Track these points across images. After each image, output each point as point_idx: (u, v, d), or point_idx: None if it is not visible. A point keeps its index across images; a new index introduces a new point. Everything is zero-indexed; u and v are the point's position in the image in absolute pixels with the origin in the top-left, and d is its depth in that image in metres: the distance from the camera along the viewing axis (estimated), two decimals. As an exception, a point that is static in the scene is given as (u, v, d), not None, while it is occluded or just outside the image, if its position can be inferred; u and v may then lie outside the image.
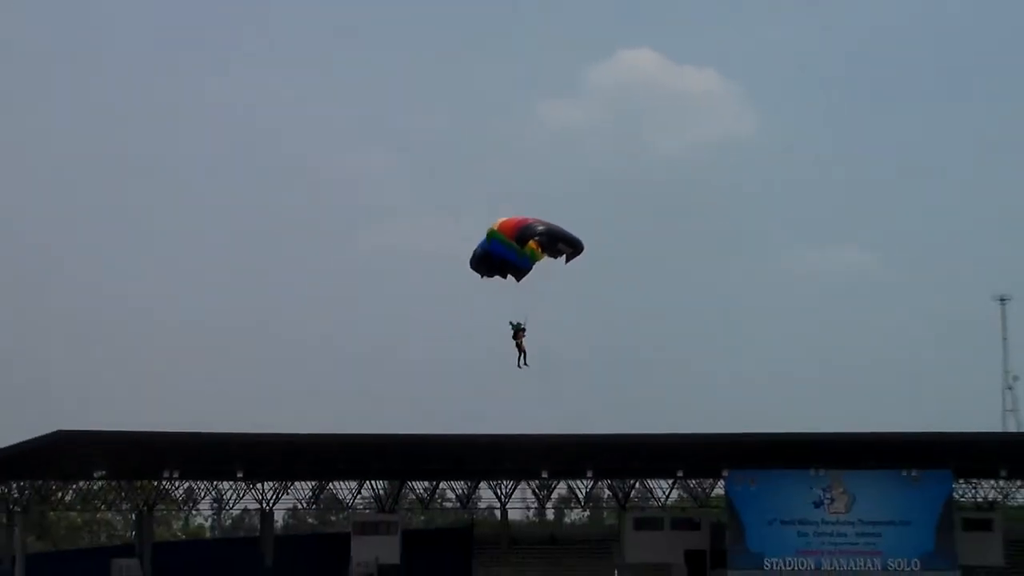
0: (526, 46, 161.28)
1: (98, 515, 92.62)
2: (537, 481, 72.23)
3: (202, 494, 74.52)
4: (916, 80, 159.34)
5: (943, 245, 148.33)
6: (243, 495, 71.89)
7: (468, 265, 29.28)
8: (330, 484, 73.34)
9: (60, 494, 70.91)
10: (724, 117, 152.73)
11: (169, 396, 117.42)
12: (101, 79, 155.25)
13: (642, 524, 69.08)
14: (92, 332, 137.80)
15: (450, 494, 75.99)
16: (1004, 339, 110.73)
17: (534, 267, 28.62)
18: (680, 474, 69.51)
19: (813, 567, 63.48)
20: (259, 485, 70.29)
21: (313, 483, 72.41)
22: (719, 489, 69.34)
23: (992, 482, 71.00)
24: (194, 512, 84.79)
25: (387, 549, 67.08)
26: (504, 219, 28.72)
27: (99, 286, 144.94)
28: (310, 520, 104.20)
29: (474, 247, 29.13)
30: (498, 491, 71.91)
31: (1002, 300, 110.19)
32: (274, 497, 71.27)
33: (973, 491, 72.23)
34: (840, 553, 63.65)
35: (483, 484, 73.22)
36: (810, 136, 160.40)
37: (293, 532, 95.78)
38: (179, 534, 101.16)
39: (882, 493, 64.13)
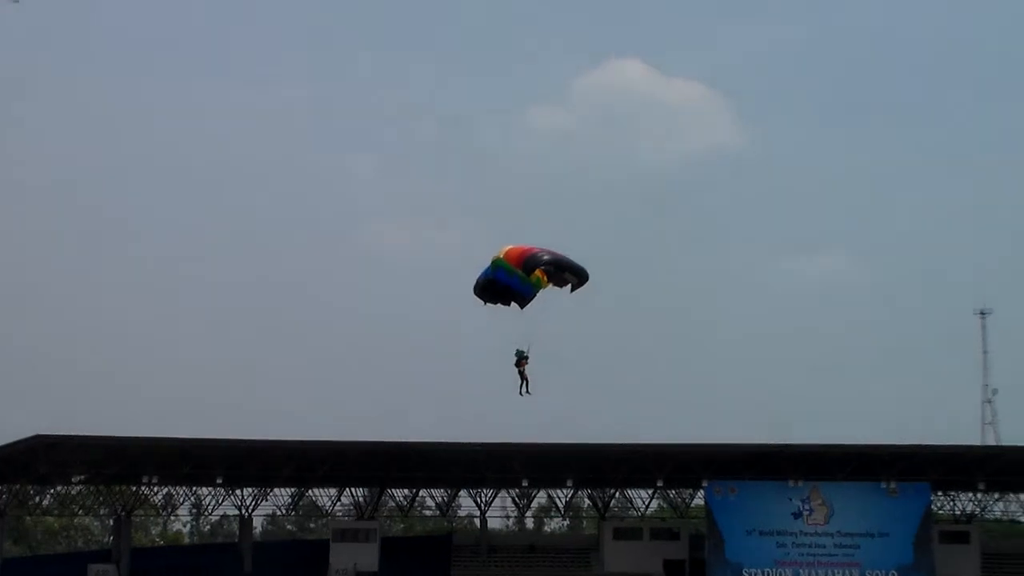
0: (516, 53, 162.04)
1: (76, 520, 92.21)
2: (517, 490, 72.24)
3: (181, 500, 74.27)
4: (899, 91, 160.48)
5: (925, 258, 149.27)
6: (222, 501, 71.79)
7: (472, 290, 29.35)
8: (309, 491, 73.19)
9: (38, 498, 70.57)
10: (710, 128, 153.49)
11: (149, 401, 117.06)
12: (91, 80, 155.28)
13: (621, 534, 69.17)
14: (72, 336, 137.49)
15: (430, 502, 75.96)
16: (984, 352, 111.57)
17: (538, 295, 28.76)
18: (660, 484, 69.54)
19: (791, 578, 63.77)
20: (238, 491, 70.13)
21: (292, 490, 72.25)
22: (699, 499, 69.45)
23: (970, 495, 71.29)
24: (173, 518, 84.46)
25: (366, 556, 67.03)
26: (509, 247, 28.83)
27: (79, 290, 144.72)
28: (289, 527, 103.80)
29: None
30: (478, 499, 71.86)
31: (982, 314, 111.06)
32: (253, 503, 71.07)
33: (951, 504, 72.49)
34: (818, 564, 63.84)
35: (463, 492, 73.14)
36: (795, 147, 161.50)
37: (272, 538, 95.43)
38: (157, 540, 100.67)
39: (861, 505, 64.37)
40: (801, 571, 63.79)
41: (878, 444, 64.70)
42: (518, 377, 30.48)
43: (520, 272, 28.28)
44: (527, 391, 30.67)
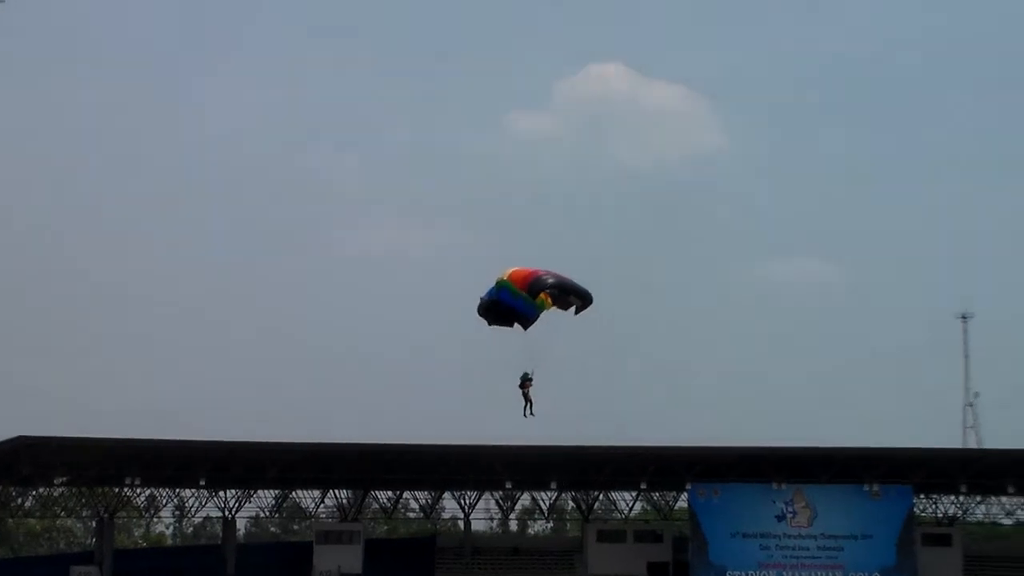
0: (497, 56, 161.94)
1: (58, 522, 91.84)
2: (501, 492, 72.24)
3: (164, 502, 74.01)
4: (882, 97, 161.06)
5: (906, 261, 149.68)
6: (205, 503, 71.54)
7: (476, 312, 29.74)
8: (293, 493, 73.07)
9: (20, 500, 70.25)
10: (692, 132, 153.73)
11: (132, 403, 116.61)
12: (74, 80, 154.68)
13: (605, 536, 69.22)
14: (56, 336, 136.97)
15: (413, 504, 75.89)
16: (966, 356, 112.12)
17: (541, 316, 29.05)
18: (644, 486, 69.67)
19: (775, 580, 63.90)
20: (221, 493, 69.93)
21: (276, 491, 72.11)
22: (682, 502, 69.50)
23: (952, 498, 71.54)
24: (155, 520, 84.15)
25: (349, 558, 66.94)
26: (514, 269, 29.21)
27: (64, 289, 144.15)
28: (272, 529, 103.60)
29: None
30: (462, 501, 71.83)
31: (964, 318, 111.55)
32: (236, 505, 70.89)
33: (933, 506, 72.77)
34: (802, 566, 63.99)
35: (446, 494, 73.13)
36: (777, 151, 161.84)
37: (255, 540, 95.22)
38: (140, 542, 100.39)
39: (844, 507, 64.52)
40: (784, 573, 63.91)
41: (861, 447, 64.99)
42: (522, 399, 30.96)
43: (524, 294, 28.59)
44: (531, 413, 31.12)
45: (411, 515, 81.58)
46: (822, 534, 64.31)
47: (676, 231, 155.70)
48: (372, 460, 64.92)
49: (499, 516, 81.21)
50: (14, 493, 68.90)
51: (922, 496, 70.32)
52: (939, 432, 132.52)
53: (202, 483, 67.32)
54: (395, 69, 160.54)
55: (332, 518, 72.46)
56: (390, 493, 73.60)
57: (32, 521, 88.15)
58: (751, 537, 64.34)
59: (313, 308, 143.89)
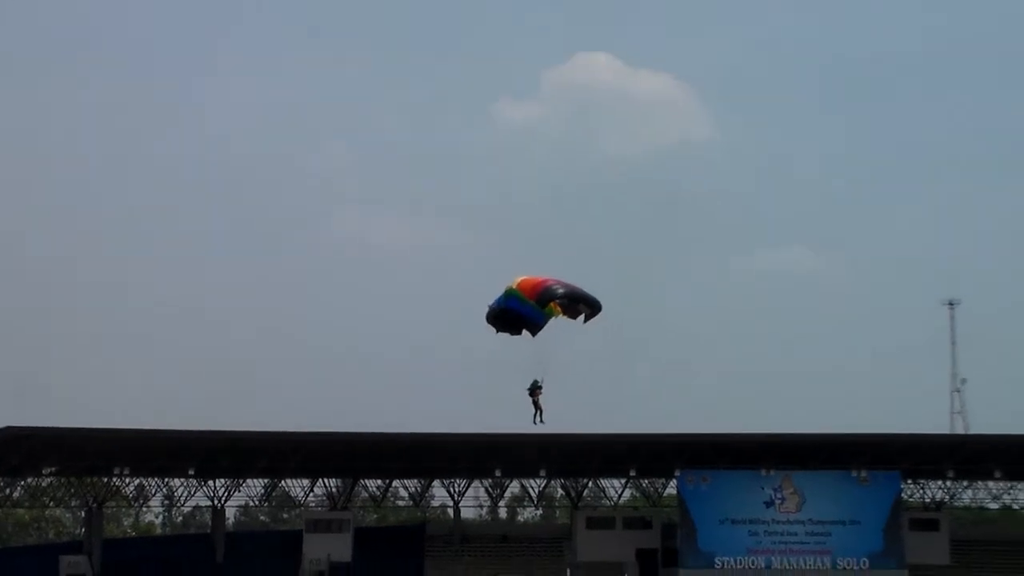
0: (484, 46, 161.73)
1: (47, 512, 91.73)
2: (490, 480, 72.34)
3: (153, 491, 74.01)
4: (871, 85, 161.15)
5: (893, 248, 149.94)
6: (194, 492, 71.49)
7: (485, 320, 29.89)
8: (282, 482, 73.07)
9: (8, 491, 70.09)
10: (680, 121, 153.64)
11: (121, 392, 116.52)
12: (74, 80, 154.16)
13: (594, 523, 69.28)
14: (44, 326, 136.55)
15: (403, 492, 75.97)
16: (952, 343, 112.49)
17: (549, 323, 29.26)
18: (632, 473, 69.82)
19: (763, 566, 64.06)
20: (211, 482, 69.90)
21: (265, 480, 72.11)
22: (671, 489, 69.67)
23: (939, 483, 71.87)
24: (145, 509, 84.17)
25: (339, 546, 66.85)
26: (523, 278, 29.32)
27: (52, 280, 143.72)
28: (262, 517, 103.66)
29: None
30: (451, 489, 71.92)
31: (951, 304, 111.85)
32: (226, 494, 70.90)
33: (921, 491, 73.08)
34: (790, 552, 64.24)
35: (436, 482, 73.19)
36: (764, 140, 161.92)
37: (245, 529, 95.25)
38: (129, 531, 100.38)
39: (832, 493, 64.77)
40: (773, 559, 64.18)
41: (849, 433, 65.27)
42: (531, 407, 31.08)
43: (533, 303, 28.72)
44: (540, 420, 31.22)
45: (401, 503, 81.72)
46: (810, 520, 64.54)
47: (663, 220, 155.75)
48: (361, 449, 64.92)
49: (488, 504, 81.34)
50: (2, 483, 68.67)
51: (909, 481, 70.59)
52: (926, 418, 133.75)
53: (191, 472, 67.31)
54: (383, 61, 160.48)
55: (322, 507, 72.48)
56: (380, 481, 73.70)
57: (21, 511, 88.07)
58: (740, 523, 64.54)
59: (313, 308, 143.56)
